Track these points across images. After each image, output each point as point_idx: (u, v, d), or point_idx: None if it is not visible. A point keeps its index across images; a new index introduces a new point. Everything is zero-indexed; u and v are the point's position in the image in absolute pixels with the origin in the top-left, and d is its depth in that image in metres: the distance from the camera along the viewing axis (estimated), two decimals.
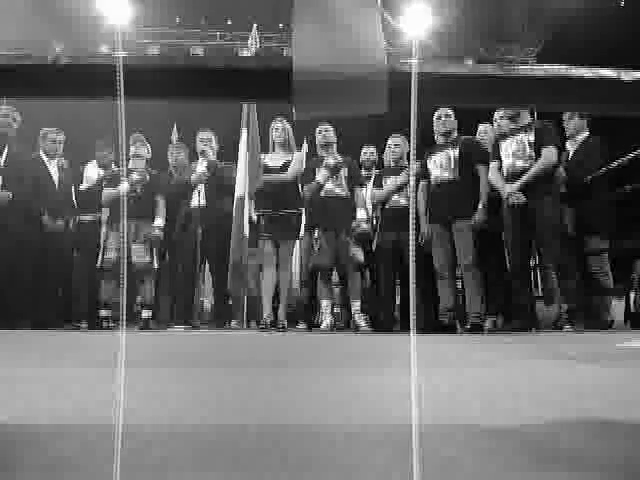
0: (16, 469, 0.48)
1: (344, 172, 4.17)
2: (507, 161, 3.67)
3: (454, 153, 3.81)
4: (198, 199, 4.52)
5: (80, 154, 4.98)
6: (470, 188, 3.75)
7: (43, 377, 1.07)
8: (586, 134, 4.17)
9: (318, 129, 4.24)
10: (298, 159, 4.31)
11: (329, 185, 4.11)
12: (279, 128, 4.31)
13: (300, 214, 4.44)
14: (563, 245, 3.52)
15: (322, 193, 4.12)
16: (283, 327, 4.04)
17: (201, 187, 4.54)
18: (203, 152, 4.52)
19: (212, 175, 4.53)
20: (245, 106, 4.89)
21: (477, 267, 3.65)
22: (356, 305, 4.07)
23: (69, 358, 1.60)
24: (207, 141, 4.61)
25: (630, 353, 1.89)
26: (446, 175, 3.81)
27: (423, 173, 4.02)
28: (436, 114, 3.95)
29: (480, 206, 3.68)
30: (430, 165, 3.94)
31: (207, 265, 4.77)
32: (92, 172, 4.80)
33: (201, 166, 4.56)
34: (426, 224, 3.92)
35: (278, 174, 4.22)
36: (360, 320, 3.99)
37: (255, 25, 5.28)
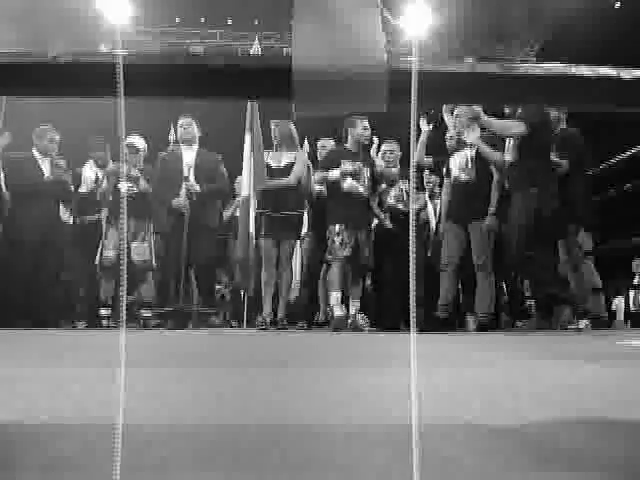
0: (16, 469, 0.48)
1: (367, 172, 4.12)
2: (455, 173, 3.88)
3: (471, 153, 3.83)
4: (185, 195, 4.34)
5: (76, 153, 4.95)
6: (487, 188, 3.78)
7: (43, 377, 1.07)
8: (563, 126, 4.17)
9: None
10: (300, 160, 4.29)
11: (352, 182, 4.05)
12: (276, 128, 4.32)
13: (301, 215, 4.43)
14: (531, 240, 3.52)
15: (345, 187, 4.04)
16: (283, 326, 4.04)
17: (190, 180, 4.35)
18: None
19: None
20: (248, 112, 4.91)
21: (491, 268, 3.67)
22: (356, 304, 4.06)
23: (69, 358, 1.60)
24: (187, 126, 4.45)
25: (630, 353, 1.89)
26: (463, 176, 3.85)
27: (445, 173, 4.09)
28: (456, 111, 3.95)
29: (491, 210, 3.72)
30: (451, 165, 3.98)
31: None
32: (90, 173, 4.79)
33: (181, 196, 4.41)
34: (443, 222, 3.99)
35: (281, 179, 4.20)
36: (360, 319, 3.98)
37: (257, 36, 5.30)
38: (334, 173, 4.05)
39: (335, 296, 4.00)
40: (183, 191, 4.31)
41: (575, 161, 3.75)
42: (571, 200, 3.74)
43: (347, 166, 4.06)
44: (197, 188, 4.32)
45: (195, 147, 4.48)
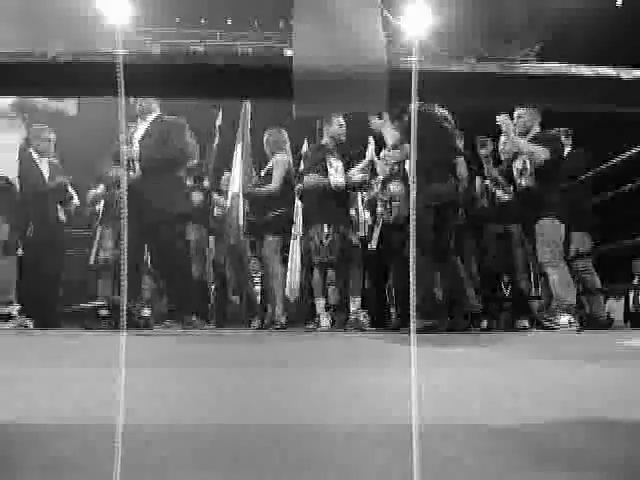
0: (16, 469, 0.48)
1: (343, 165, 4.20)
2: None
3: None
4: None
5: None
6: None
7: (43, 377, 1.07)
8: (568, 149, 4.43)
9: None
10: (279, 164, 4.32)
11: (340, 179, 4.09)
12: (268, 137, 4.47)
13: (284, 213, 4.44)
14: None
15: (332, 186, 4.06)
16: (281, 326, 4.05)
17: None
18: None
19: None
20: (241, 120, 5.01)
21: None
22: (357, 302, 4.07)
23: (69, 358, 1.60)
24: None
25: (630, 353, 1.89)
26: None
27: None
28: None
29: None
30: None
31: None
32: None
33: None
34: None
35: (264, 186, 4.33)
36: (361, 317, 3.99)
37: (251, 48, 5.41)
38: (336, 180, 4.05)
39: (320, 303, 4.04)
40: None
41: (551, 154, 3.64)
42: (548, 195, 3.64)
43: (357, 177, 4.11)
44: (134, 153, 3.87)
45: (151, 117, 4.06)
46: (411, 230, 0.54)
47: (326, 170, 4.06)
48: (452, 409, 0.74)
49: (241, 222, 4.71)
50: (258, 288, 5.00)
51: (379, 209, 4.43)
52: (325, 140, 4.19)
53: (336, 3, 0.50)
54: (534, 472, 0.48)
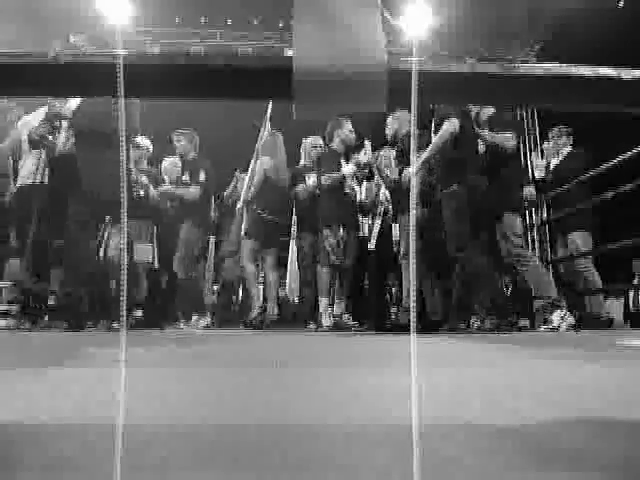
0: (16, 469, 0.48)
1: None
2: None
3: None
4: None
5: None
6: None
7: (43, 377, 1.07)
8: (569, 149, 4.54)
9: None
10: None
11: (351, 166, 4.19)
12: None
13: (261, 213, 4.51)
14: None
15: (346, 189, 4.20)
16: (262, 325, 4.11)
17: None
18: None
19: None
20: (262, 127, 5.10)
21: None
22: (341, 305, 4.20)
23: (69, 358, 1.60)
24: None
25: (630, 353, 1.89)
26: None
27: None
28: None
29: None
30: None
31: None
32: (171, 166, 4.89)
33: None
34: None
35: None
36: (345, 319, 4.10)
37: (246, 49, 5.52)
38: (347, 169, 4.11)
39: (324, 302, 4.10)
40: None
41: (507, 139, 3.52)
42: (506, 186, 3.53)
43: (361, 158, 4.18)
44: (63, 112, 3.43)
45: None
46: (411, 230, 0.54)
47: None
48: (452, 409, 0.74)
49: (243, 224, 4.76)
50: (260, 288, 5.04)
51: (380, 208, 4.46)
52: (336, 144, 4.24)
53: (336, 3, 0.50)
54: (534, 472, 0.48)
